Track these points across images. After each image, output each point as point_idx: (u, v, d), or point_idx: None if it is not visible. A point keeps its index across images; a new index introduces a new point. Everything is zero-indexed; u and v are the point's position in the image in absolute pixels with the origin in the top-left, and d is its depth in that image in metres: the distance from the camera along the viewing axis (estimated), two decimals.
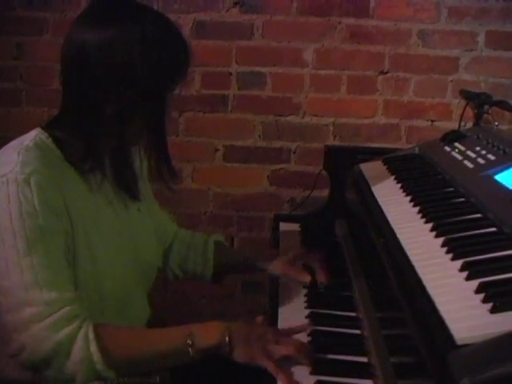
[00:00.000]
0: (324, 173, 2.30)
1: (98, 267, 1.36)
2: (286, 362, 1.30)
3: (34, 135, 1.34)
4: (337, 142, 2.74)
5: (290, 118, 2.74)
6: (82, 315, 1.25)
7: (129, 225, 1.49)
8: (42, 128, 1.37)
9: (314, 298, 1.61)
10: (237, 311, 2.88)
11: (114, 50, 1.27)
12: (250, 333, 1.33)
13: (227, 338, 1.29)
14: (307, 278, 1.60)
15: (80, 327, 1.23)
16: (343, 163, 2.14)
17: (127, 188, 1.45)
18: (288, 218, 2.27)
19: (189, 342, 1.27)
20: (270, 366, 1.27)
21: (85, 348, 1.21)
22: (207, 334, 1.30)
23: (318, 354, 1.35)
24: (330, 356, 1.36)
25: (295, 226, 2.18)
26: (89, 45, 1.27)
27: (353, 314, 1.55)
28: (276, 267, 1.65)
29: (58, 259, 1.27)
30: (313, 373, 1.29)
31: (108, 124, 1.31)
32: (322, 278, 1.62)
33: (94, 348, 1.21)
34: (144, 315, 1.58)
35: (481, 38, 2.67)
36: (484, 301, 0.95)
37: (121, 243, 1.45)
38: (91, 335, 1.22)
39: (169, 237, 1.75)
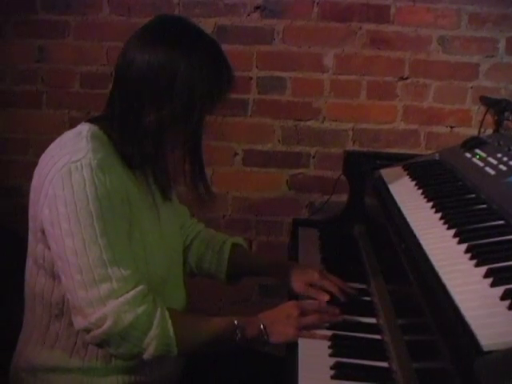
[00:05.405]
0: (343, 178, 2.31)
1: (147, 252, 1.43)
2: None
3: (87, 127, 1.40)
4: (356, 147, 2.75)
5: (309, 123, 2.75)
6: (151, 294, 1.35)
7: (162, 215, 1.55)
8: (88, 122, 1.44)
9: (334, 305, 1.60)
10: (254, 314, 2.86)
11: (158, 74, 1.35)
12: (278, 315, 1.48)
13: (262, 327, 1.44)
14: (326, 297, 1.61)
15: (155, 305, 1.34)
16: (362, 168, 2.14)
17: (161, 188, 1.52)
18: (307, 223, 2.27)
19: (238, 332, 1.42)
20: (305, 335, 1.45)
21: (163, 324, 1.32)
22: (250, 327, 1.45)
23: (338, 358, 1.36)
24: (351, 360, 1.36)
25: (314, 231, 2.18)
26: (137, 62, 1.36)
27: (373, 320, 1.55)
28: (297, 286, 1.67)
29: (126, 241, 1.36)
30: (333, 377, 1.30)
31: (146, 132, 1.38)
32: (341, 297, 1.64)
33: (170, 325, 1.33)
34: (182, 303, 1.63)
35: (501, 45, 2.66)
36: (510, 308, 0.95)
37: (159, 230, 1.52)
38: (167, 313, 1.34)
39: (187, 230, 1.80)
